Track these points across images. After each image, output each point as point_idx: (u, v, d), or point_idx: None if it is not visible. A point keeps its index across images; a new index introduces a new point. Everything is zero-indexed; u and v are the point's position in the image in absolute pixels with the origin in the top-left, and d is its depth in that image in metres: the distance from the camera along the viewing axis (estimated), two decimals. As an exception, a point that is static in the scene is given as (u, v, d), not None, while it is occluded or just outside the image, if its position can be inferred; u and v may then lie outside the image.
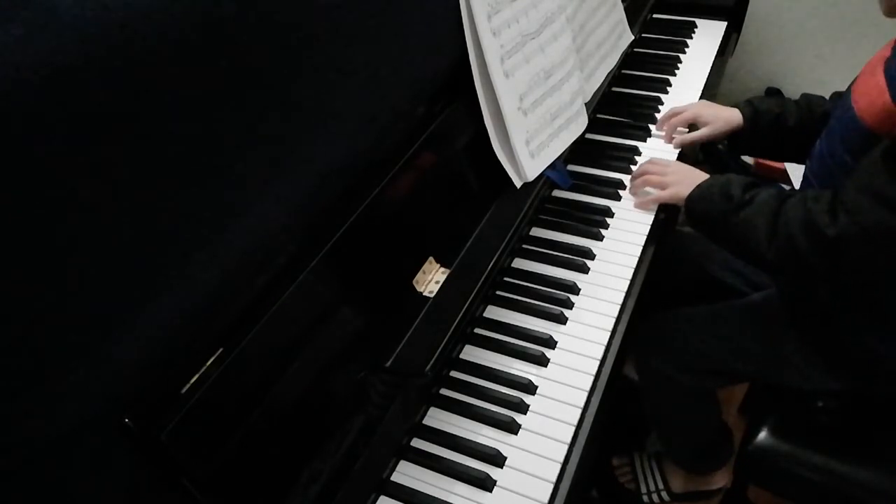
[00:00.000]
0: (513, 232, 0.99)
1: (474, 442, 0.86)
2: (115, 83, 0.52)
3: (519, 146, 1.03)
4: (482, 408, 0.90)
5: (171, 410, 0.60)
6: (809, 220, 0.90)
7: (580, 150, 1.25)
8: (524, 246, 1.12)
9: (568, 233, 1.14)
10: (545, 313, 1.01)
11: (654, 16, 1.69)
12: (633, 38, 1.44)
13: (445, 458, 0.85)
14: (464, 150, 1.01)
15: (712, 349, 1.16)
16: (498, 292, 1.05)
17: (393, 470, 0.84)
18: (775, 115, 1.20)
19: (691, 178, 1.10)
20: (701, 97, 1.42)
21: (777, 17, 1.88)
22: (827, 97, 1.19)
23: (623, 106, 1.41)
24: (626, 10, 1.41)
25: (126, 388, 0.57)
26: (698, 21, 1.65)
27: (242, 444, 0.65)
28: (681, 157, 1.28)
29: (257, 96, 0.66)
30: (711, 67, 1.51)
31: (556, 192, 1.21)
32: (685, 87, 1.45)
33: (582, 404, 0.89)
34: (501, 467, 0.84)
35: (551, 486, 0.81)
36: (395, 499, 0.82)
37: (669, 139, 1.31)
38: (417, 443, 0.87)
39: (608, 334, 0.98)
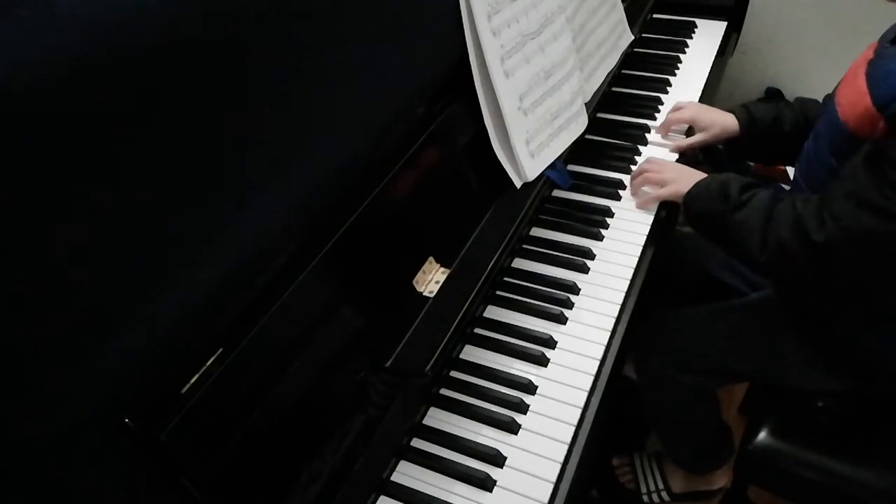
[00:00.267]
0: (513, 232, 0.99)
1: (474, 442, 0.86)
2: (114, 83, 0.52)
3: (519, 146, 1.03)
4: (482, 408, 0.90)
5: (171, 410, 0.60)
6: (798, 225, 0.90)
7: (580, 150, 1.25)
8: (524, 246, 1.12)
9: (568, 233, 1.14)
10: (545, 313, 1.01)
11: (654, 16, 1.68)
12: (633, 38, 1.44)
13: (445, 458, 0.85)
14: (464, 149, 1.01)
15: (712, 349, 1.16)
16: (498, 292, 1.05)
17: (393, 470, 0.84)
18: (771, 120, 1.21)
19: (689, 176, 1.10)
20: (701, 97, 1.42)
21: (777, 17, 1.88)
22: (827, 97, 1.19)
23: (623, 106, 1.41)
24: (626, 10, 1.41)
25: (126, 388, 0.57)
26: (698, 21, 1.65)
27: (242, 444, 0.65)
28: (681, 158, 1.28)
29: (257, 96, 0.66)
30: (711, 67, 1.51)
31: (556, 192, 1.21)
32: (685, 88, 1.45)
33: (582, 404, 0.89)
34: (501, 467, 0.84)
35: (551, 486, 0.81)
36: (395, 499, 0.82)
37: (665, 133, 1.32)
38: (417, 443, 0.87)
39: (608, 334, 0.98)
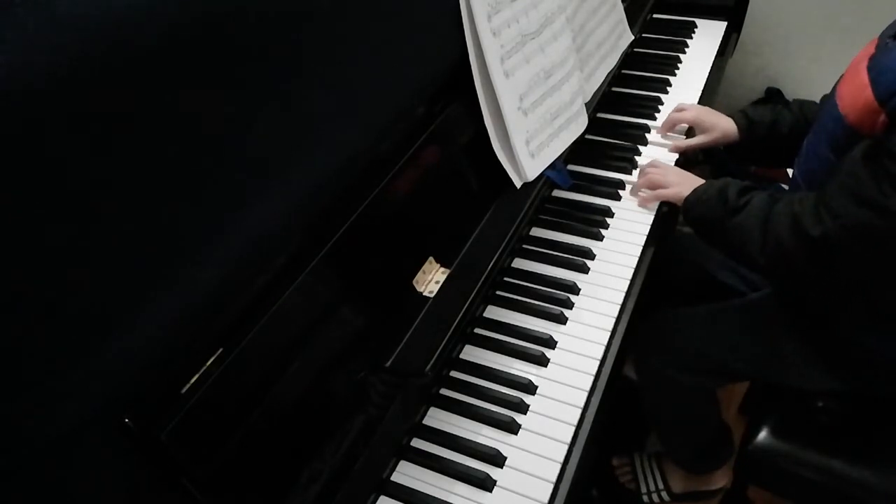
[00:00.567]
0: (513, 232, 0.99)
1: (474, 442, 0.86)
2: (114, 82, 0.52)
3: (519, 146, 1.03)
4: (482, 408, 0.90)
5: (171, 410, 0.60)
6: (795, 223, 0.91)
7: (580, 150, 1.25)
8: (524, 246, 1.12)
9: (568, 233, 1.14)
10: (545, 313, 1.01)
11: (654, 16, 1.68)
12: (633, 38, 1.44)
13: (445, 458, 0.85)
14: (464, 150, 1.01)
15: (712, 349, 1.16)
16: (498, 292, 1.05)
17: (393, 470, 0.84)
18: (769, 123, 1.21)
19: (691, 180, 1.11)
20: (701, 97, 1.42)
21: (777, 17, 1.88)
22: (825, 97, 1.19)
23: (623, 106, 1.41)
24: (626, 10, 1.41)
25: (126, 388, 0.57)
26: (698, 21, 1.65)
27: (242, 444, 0.65)
28: (681, 158, 1.28)
29: (257, 96, 0.66)
30: (711, 67, 1.51)
31: (556, 192, 1.21)
32: (685, 88, 1.45)
33: (582, 404, 0.90)
34: (501, 467, 0.84)
35: (551, 486, 0.81)
36: (395, 499, 0.82)
37: (665, 133, 1.32)
38: (417, 443, 0.87)
39: (608, 334, 0.98)
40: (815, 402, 1.13)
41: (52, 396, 0.51)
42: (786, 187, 1.02)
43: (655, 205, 1.17)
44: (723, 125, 1.25)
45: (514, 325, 0.99)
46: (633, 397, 1.32)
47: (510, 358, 0.96)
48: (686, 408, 1.28)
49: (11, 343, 0.48)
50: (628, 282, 1.06)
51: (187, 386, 0.61)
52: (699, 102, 1.39)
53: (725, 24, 1.64)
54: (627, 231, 1.14)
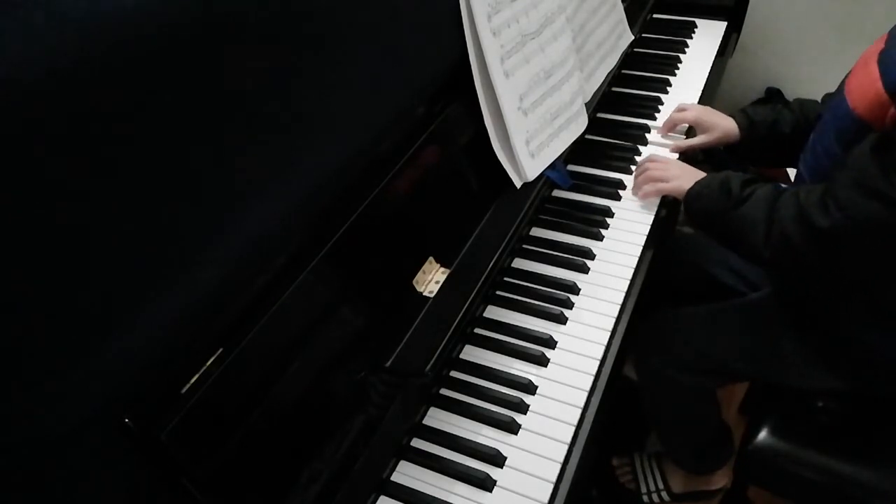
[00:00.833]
0: (513, 232, 0.99)
1: (474, 442, 0.86)
2: (114, 82, 0.52)
3: (519, 146, 1.03)
4: (482, 408, 0.90)
5: (171, 410, 0.60)
6: (802, 215, 0.90)
7: (580, 150, 1.25)
8: (524, 246, 1.12)
9: (568, 233, 1.14)
10: (545, 313, 1.01)
11: (654, 16, 1.68)
12: (633, 38, 1.44)
13: (445, 458, 0.85)
14: (464, 150, 1.01)
15: (712, 349, 1.16)
16: (498, 292, 1.05)
17: (393, 470, 0.84)
18: (770, 123, 1.21)
19: (692, 174, 1.11)
20: (701, 97, 1.42)
21: (777, 17, 1.88)
22: (827, 96, 1.19)
23: (623, 106, 1.41)
24: (626, 10, 1.41)
25: (126, 388, 0.57)
26: (698, 21, 1.65)
27: (242, 444, 0.65)
28: (681, 158, 1.28)
29: (257, 96, 0.66)
30: (711, 67, 1.51)
31: (556, 192, 1.21)
32: (685, 88, 1.45)
33: (582, 404, 0.89)
34: (501, 467, 0.84)
35: (551, 486, 0.81)
36: (395, 499, 0.82)
37: (666, 133, 1.32)
38: (417, 443, 0.87)
39: (608, 334, 0.98)
40: (815, 402, 1.13)
41: (52, 396, 0.51)
42: (785, 186, 1.02)
43: (655, 205, 1.17)
44: (724, 125, 1.25)
45: (514, 325, 0.99)
46: (633, 397, 1.32)
47: (510, 358, 0.96)
48: (686, 408, 1.28)
49: (11, 343, 0.48)
50: (628, 282, 1.06)
51: (187, 386, 0.61)
52: (699, 102, 1.39)
53: (725, 24, 1.64)
54: (627, 231, 1.14)
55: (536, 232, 1.15)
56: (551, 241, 1.13)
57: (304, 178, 0.73)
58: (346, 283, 0.80)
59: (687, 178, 1.10)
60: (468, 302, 0.88)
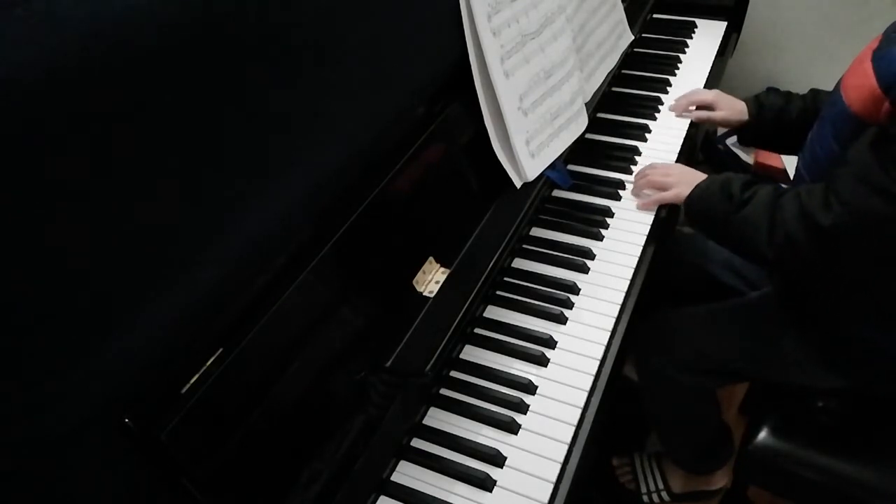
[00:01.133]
0: (513, 232, 0.99)
1: (474, 442, 0.86)
2: (114, 82, 0.52)
3: (519, 146, 1.03)
4: (482, 408, 0.90)
5: (171, 410, 0.60)
6: (804, 213, 0.91)
7: (580, 150, 1.25)
8: (524, 246, 1.12)
9: (568, 233, 1.14)
10: (545, 313, 1.01)
11: (654, 16, 1.68)
12: (633, 38, 1.44)
13: (445, 458, 0.85)
14: (464, 149, 1.01)
15: (712, 348, 1.16)
16: (498, 292, 1.05)
17: (393, 470, 0.84)
18: (779, 108, 1.24)
19: (692, 179, 1.11)
20: (701, 97, 1.42)
21: (777, 17, 1.88)
22: (814, 92, 1.22)
23: (623, 106, 1.41)
24: (626, 10, 1.41)
25: (126, 388, 0.57)
26: (698, 21, 1.65)
27: (242, 444, 0.65)
28: (681, 157, 1.28)
29: (257, 96, 0.66)
30: (711, 67, 1.51)
31: (556, 192, 1.21)
32: (685, 88, 1.45)
33: (582, 404, 0.89)
34: (501, 467, 0.84)
35: (551, 486, 0.81)
36: (395, 499, 0.82)
37: (681, 111, 1.36)
38: (417, 443, 0.87)
39: (608, 334, 0.98)
40: (816, 403, 1.13)
41: (52, 396, 0.51)
42: (785, 187, 1.02)
43: (656, 206, 1.17)
44: (739, 107, 1.30)
45: (514, 325, 0.99)
46: (633, 397, 1.32)
47: (510, 358, 0.96)
48: (686, 408, 1.28)
49: (11, 343, 0.48)
50: (628, 282, 1.06)
51: (187, 386, 0.61)
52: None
53: (725, 24, 1.64)
54: (627, 231, 1.14)
55: (536, 232, 1.15)
56: (551, 241, 1.13)
57: (305, 178, 0.73)
58: (346, 283, 0.80)
59: (686, 183, 1.10)
60: (468, 302, 0.88)
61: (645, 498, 1.46)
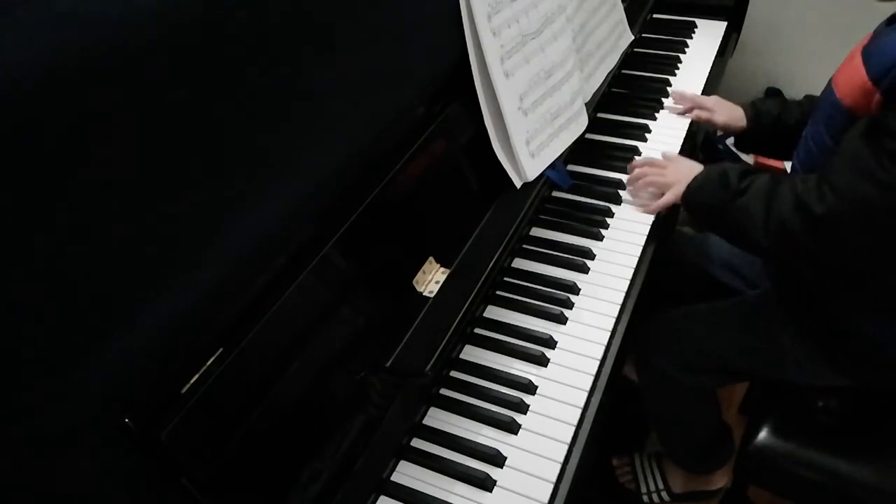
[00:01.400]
0: (513, 232, 0.99)
1: (474, 442, 0.86)
2: (114, 82, 0.52)
3: (519, 146, 1.03)
4: (482, 408, 0.90)
5: (171, 410, 0.60)
6: (799, 202, 0.92)
7: (580, 150, 1.25)
8: (524, 246, 1.12)
9: (568, 233, 1.14)
10: (545, 313, 1.01)
11: (654, 16, 1.68)
12: (633, 38, 1.44)
13: (445, 458, 0.85)
14: (464, 150, 1.01)
15: (712, 347, 1.16)
16: (498, 292, 1.05)
17: (393, 470, 0.84)
18: (776, 114, 1.24)
19: (689, 172, 1.11)
20: (701, 97, 1.42)
21: (777, 17, 1.88)
22: (809, 98, 1.22)
23: (623, 106, 1.41)
24: (626, 10, 1.41)
25: (126, 388, 0.57)
26: (698, 21, 1.65)
27: (242, 444, 0.65)
28: (681, 155, 1.28)
29: (257, 96, 0.66)
30: (711, 67, 1.51)
31: (556, 192, 1.21)
32: (685, 88, 1.45)
33: (582, 404, 0.89)
34: (501, 467, 0.84)
35: (551, 486, 0.81)
36: (395, 499, 0.82)
37: (682, 104, 1.37)
38: (417, 443, 0.87)
39: (608, 334, 0.98)
40: (816, 402, 1.13)
41: (52, 396, 0.51)
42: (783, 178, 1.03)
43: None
44: (738, 113, 1.30)
45: (514, 325, 0.99)
46: (633, 397, 1.32)
47: (510, 358, 0.96)
48: (686, 408, 1.28)
49: (11, 343, 0.48)
50: (628, 282, 1.06)
51: (187, 386, 0.61)
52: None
53: (725, 24, 1.64)
54: (627, 231, 1.14)
55: (536, 232, 1.15)
56: (551, 241, 1.13)
57: (305, 178, 0.73)
58: (347, 283, 0.80)
59: (685, 178, 1.10)
60: (468, 302, 0.88)
61: (645, 498, 1.46)
